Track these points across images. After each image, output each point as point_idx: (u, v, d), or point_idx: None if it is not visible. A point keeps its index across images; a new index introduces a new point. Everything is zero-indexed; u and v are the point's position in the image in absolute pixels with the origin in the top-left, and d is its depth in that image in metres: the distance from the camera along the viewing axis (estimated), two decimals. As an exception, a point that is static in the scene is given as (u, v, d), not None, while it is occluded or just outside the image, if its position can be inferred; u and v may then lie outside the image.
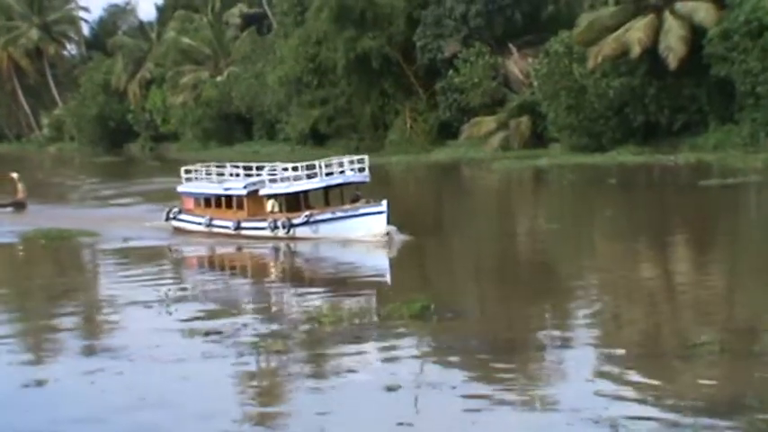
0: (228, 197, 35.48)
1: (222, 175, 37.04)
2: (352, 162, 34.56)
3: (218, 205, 35.84)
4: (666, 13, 53.54)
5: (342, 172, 34.12)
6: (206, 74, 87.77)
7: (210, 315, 21.50)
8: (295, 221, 33.02)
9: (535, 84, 61.27)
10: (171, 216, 37.40)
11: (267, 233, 33.62)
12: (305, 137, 72.77)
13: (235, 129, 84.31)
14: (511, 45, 63.18)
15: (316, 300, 23.52)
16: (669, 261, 27.71)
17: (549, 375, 16.38)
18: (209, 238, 35.16)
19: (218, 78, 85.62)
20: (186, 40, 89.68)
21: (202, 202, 36.76)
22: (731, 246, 29.27)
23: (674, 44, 52.24)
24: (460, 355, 17.56)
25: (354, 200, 33.18)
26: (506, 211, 42.51)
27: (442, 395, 15.28)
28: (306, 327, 19.94)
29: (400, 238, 31.56)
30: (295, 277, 28.43)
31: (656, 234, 31.27)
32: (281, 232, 33.22)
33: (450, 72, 63.86)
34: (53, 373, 17.53)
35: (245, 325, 20.22)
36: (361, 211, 32.12)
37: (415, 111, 67.65)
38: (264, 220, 33.92)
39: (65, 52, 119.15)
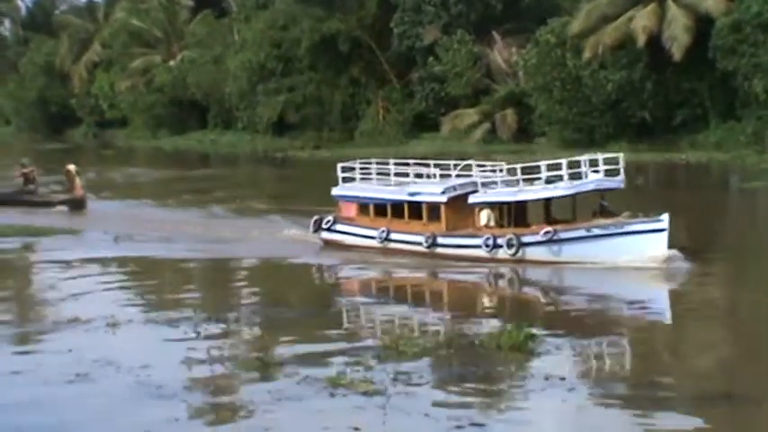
0: (416, 204, 27.42)
1: (405, 175, 28.86)
2: (587, 163, 25.96)
3: (399, 214, 27.82)
4: (669, 2, 50.58)
5: (575, 176, 25.68)
6: (158, 58, 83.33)
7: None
8: (527, 239, 25.38)
9: (520, 74, 58.15)
10: (323, 226, 29.36)
11: (480, 253, 25.78)
12: (269, 126, 68.67)
13: (188, 116, 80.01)
14: (494, 33, 59.82)
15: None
16: None
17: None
18: (383, 256, 27.35)
19: (172, 63, 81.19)
20: (137, 21, 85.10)
21: (372, 210, 28.60)
22: None
23: (678, 34, 49.35)
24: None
25: (602, 212, 25.71)
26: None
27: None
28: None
29: (685, 266, 23.91)
30: (536, 317, 20.20)
31: None
32: (502, 253, 25.46)
33: (430, 60, 60.35)
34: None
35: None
36: (632, 227, 24.47)
37: (388, 100, 64.03)
38: (475, 235, 26.22)
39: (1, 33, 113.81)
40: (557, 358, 16.47)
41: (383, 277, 26.11)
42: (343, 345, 17.34)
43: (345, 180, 29.88)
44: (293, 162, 59.48)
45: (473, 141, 58.12)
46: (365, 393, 14.53)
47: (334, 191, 29.74)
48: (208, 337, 17.78)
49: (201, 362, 16.30)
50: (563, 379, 15.10)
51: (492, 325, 18.68)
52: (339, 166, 30.18)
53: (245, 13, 74.62)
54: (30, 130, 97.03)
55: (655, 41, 50.09)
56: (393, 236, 27.62)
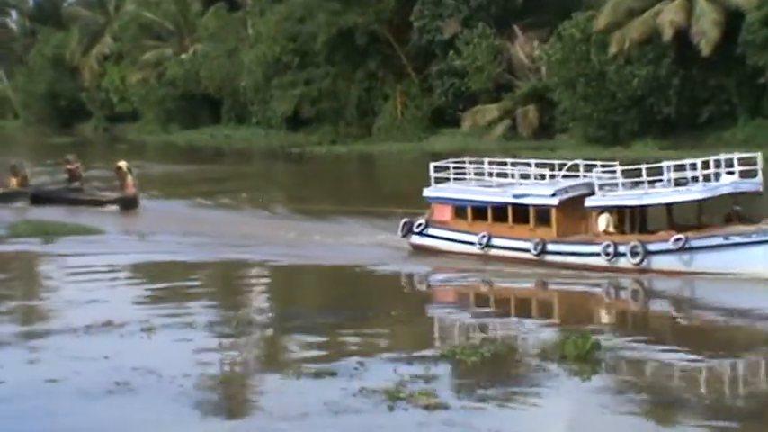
0: (522, 207, 25.30)
1: (507, 176, 26.70)
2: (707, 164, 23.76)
3: (501, 218, 25.63)
4: (698, -4, 49.53)
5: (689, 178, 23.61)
6: (169, 51, 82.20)
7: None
8: (654, 247, 23.17)
9: (543, 69, 57.02)
10: (414, 230, 27.17)
11: (598, 261, 23.68)
12: (283, 121, 67.53)
13: (200, 111, 78.87)
14: (515, 27, 58.68)
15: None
16: None
17: None
18: (483, 263, 25.36)
19: (184, 56, 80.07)
20: (148, 14, 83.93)
21: (470, 213, 26.43)
22: None
23: (707, 28, 48.22)
24: None
25: (735, 218, 23.60)
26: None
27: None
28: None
29: None
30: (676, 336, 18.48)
31: None
32: (624, 261, 23.35)
33: (451, 54, 59.17)
34: None
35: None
36: None
37: (407, 95, 62.87)
38: (593, 242, 24.07)
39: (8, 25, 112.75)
40: (622, 371, 15.46)
41: (483, 286, 24.24)
42: (404, 353, 16.16)
43: (438, 180, 27.77)
44: (312, 158, 58.38)
45: (493, 138, 57.08)
46: (427, 407, 13.48)
47: (426, 192, 27.59)
48: (253, 344, 16.75)
49: (248, 370, 15.27)
50: (630, 393, 14.07)
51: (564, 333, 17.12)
52: (431, 165, 27.84)
53: (260, 6, 73.37)
54: (38, 124, 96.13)
55: (682, 36, 48.99)
56: (495, 241, 25.55)
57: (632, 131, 51.79)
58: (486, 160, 27.58)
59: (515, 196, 25.57)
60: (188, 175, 49.40)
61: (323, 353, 16.34)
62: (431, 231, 27.07)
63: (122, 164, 36.57)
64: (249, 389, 14.54)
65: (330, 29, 61.92)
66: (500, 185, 26.52)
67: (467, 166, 27.73)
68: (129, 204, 35.61)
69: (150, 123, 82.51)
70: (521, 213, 25.42)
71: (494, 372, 15.21)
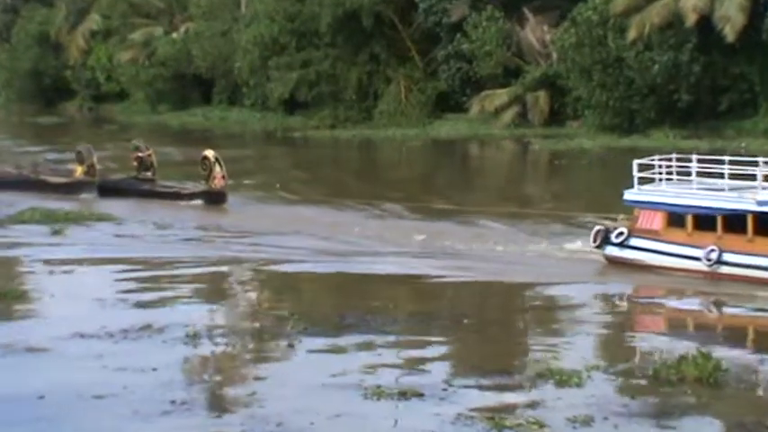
0: None
1: (743, 178, 22.32)
2: None
3: (738, 229, 21.24)
4: (722, -20, 47.58)
5: None
6: (159, 29, 79.52)
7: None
8: None
9: (554, 55, 55.04)
10: (613, 240, 22.92)
11: None
12: (280, 104, 65.23)
13: (191, 91, 76.44)
14: (525, 10, 56.66)
15: None
16: None
17: None
18: (708, 282, 21.36)
19: (174, 35, 77.54)
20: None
21: (689, 222, 22.03)
22: None
23: (732, 13, 46.28)
24: None
25: None
26: None
27: None
28: None
29: None
30: None
31: None
32: None
33: (458, 37, 57.02)
34: None
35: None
36: None
37: (410, 79, 60.72)
38: None
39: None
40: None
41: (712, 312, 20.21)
42: (495, 371, 14.15)
43: (642, 181, 23.30)
44: (316, 143, 56.09)
45: (502, 124, 55.17)
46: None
47: (628, 195, 23.19)
48: (323, 356, 14.68)
49: (329, 387, 13.23)
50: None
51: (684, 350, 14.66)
52: (635, 163, 23.33)
53: (255, -16, 70.97)
54: (21, 103, 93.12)
55: (705, 21, 47.07)
56: (729, 257, 21.05)
57: (649, 120, 49.91)
58: (695, 157, 22.99)
59: (761, 203, 21.21)
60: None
61: (404, 369, 14.29)
62: (635, 242, 22.70)
63: (209, 153, 31.90)
64: (335, 413, 12.47)
65: (336, 9, 59.57)
66: (734, 189, 22.13)
67: (676, 164, 23.29)
68: (215, 199, 31.39)
69: (138, 103, 79.96)
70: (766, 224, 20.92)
71: (606, 394, 13.21)
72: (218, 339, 15.53)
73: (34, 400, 12.60)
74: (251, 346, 15.33)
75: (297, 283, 21.40)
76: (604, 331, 17.69)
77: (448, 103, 60.08)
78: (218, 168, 31.14)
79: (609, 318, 19.04)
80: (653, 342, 16.69)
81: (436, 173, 44.80)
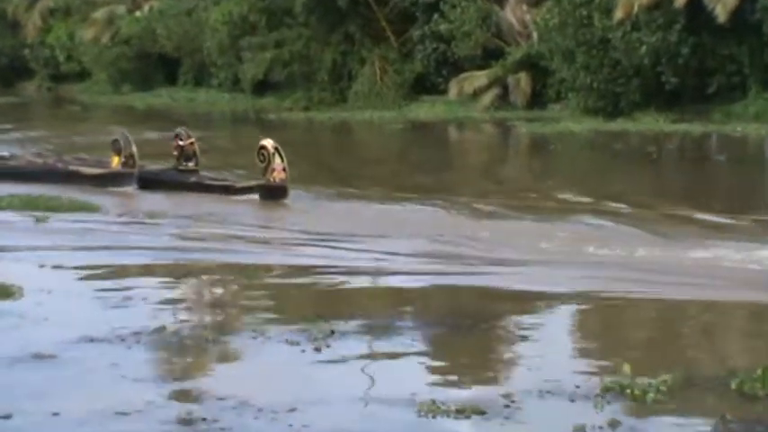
0: None
1: None
2: None
3: None
4: (712, -43, 46.37)
5: None
6: (122, 8, 77.48)
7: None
8: None
9: (535, 35, 53.71)
10: None
11: None
12: (251, 85, 63.45)
13: (155, 72, 74.52)
14: (505, -11, 55.35)
15: None
16: None
17: None
18: None
19: (138, 13, 75.48)
20: (98, -34, 79.15)
21: None
22: None
23: (724, -7, 45.16)
24: None
25: None
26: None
27: None
28: None
29: None
30: None
31: None
32: None
33: (436, 17, 55.56)
34: None
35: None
36: None
37: (386, 60, 59.15)
38: None
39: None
40: None
41: None
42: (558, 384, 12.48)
43: None
44: (292, 124, 54.28)
45: (482, 107, 53.85)
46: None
47: None
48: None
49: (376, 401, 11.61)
50: None
51: None
52: None
53: (224, -38, 68.98)
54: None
55: (694, 1, 45.86)
56: None
57: (634, 103, 48.73)
58: None
59: None
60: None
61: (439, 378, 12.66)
62: None
63: (268, 142, 27.94)
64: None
65: (312, -11, 58.00)
66: None
67: None
68: (275, 194, 27.55)
69: (100, 84, 77.97)
70: None
71: (683, 412, 11.63)
72: (240, 344, 13.85)
73: (48, 416, 10.92)
74: (286, 353, 13.59)
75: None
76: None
77: (424, 85, 58.74)
78: (278, 159, 27.41)
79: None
80: None
81: (463, 160, 42.50)
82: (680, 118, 47.07)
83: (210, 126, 51.47)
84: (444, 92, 56.92)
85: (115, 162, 30.11)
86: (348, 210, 26.69)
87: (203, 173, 29.89)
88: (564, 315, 16.24)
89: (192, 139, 30.11)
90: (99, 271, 18.76)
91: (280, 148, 27.80)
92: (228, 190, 28.36)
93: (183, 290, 17.58)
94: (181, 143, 29.91)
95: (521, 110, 52.84)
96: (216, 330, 14.17)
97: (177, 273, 18.89)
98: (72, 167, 30.94)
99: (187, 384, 12.09)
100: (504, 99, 53.96)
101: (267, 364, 13.13)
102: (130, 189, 29.33)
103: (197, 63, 69.82)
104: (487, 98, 53.71)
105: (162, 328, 14.22)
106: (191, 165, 29.81)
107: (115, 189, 29.08)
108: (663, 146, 42.30)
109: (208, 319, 15.06)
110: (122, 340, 13.66)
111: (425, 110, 56.11)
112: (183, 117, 56.32)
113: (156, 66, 74.06)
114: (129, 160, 29.73)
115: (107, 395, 11.54)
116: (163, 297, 16.66)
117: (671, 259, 19.32)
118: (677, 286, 17.36)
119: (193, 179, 29.26)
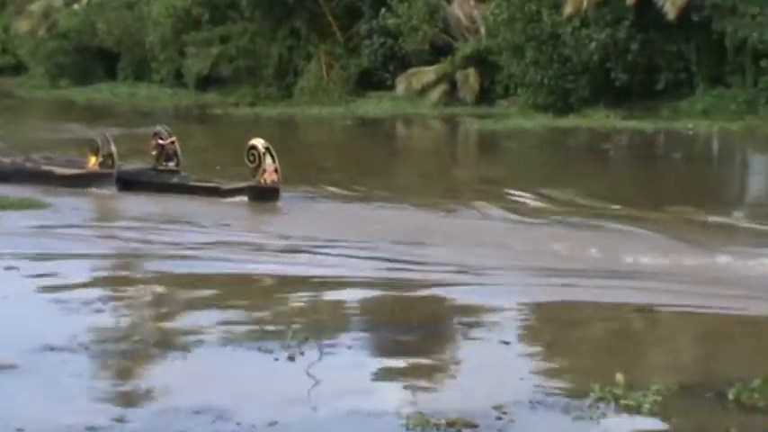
0: None
1: None
2: None
3: None
4: (662, -47, 46.37)
5: None
6: (59, 0, 76.06)
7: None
8: None
9: (482, 30, 53.41)
10: None
11: None
12: (195, 80, 62.49)
13: (94, 66, 73.22)
14: (453, -16, 54.99)
15: None
16: None
17: None
18: None
19: (76, 6, 74.16)
20: (33, -42, 77.69)
21: None
22: None
23: (673, -10, 45.20)
24: None
25: None
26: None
27: None
28: None
29: None
30: None
31: None
32: None
33: (383, 12, 55.04)
34: None
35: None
36: None
37: (332, 55, 58.51)
38: None
39: None
40: None
41: None
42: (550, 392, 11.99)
43: None
44: (240, 120, 53.28)
45: (430, 102, 53.45)
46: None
47: None
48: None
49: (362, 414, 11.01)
50: None
51: None
52: None
53: (165, -46, 67.89)
54: None
55: (644, -3, 45.92)
56: None
57: (583, 99, 48.62)
58: None
59: None
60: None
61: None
62: None
63: (258, 142, 26.34)
64: None
65: (258, -18, 57.26)
66: None
67: None
68: (265, 195, 26.00)
69: (37, 78, 76.47)
70: None
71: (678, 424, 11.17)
72: (210, 352, 13.16)
73: (12, 432, 10.18)
74: (260, 362, 12.92)
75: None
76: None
77: (371, 81, 58.21)
78: (269, 160, 25.90)
79: None
80: None
81: (424, 159, 41.54)
82: (629, 114, 47.06)
83: (155, 122, 50.21)
84: (391, 87, 56.47)
85: (92, 162, 28.19)
86: (341, 212, 25.35)
87: (184, 173, 28.30)
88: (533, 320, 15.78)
89: (173, 138, 28.58)
90: (56, 275, 17.91)
91: (271, 147, 26.40)
92: (215, 192, 26.75)
93: (150, 297, 16.81)
94: (161, 142, 28.39)
95: (469, 106, 52.56)
96: (184, 339, 13.47)
97: (146, 279, 18.13)
98: (45, 168, 29.12)
99: (159, 397, 11.39)
100: (451, 95, 53.65)
101: (241, 375, 12.45)
102: (109, 191, 27.65)
103: (137, 58, 68.73)
104: (435, 94, 53.33)
105: (127, 337, 13.51)
106: (171, 165, 28.37)
107: (93, 191, 27.42)
108: (618, 143, 42.15)
109: (176, 326, 14.30)
110: (85, 349, 12.93)
111: (373, 106, 55.61)
112: (125, 112, 55.45)
113: (95, 60, 72.83)
114: (107, 160, 27.87)
115: (74, 408, 10.83)
116: (127, 304, 15.92)
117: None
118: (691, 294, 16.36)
119: (176, 180, 27.79)
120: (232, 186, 26.76)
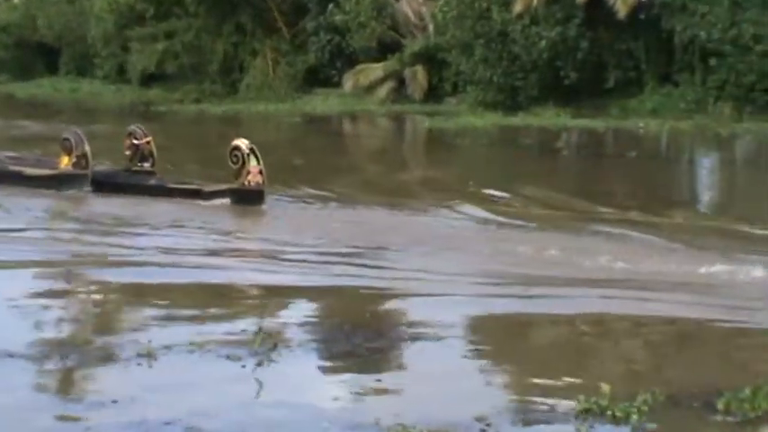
0: None
1: None
2: None
3: None
4: (611, -50, 46.44)
5: None
6: (-3, -7, 74.81)
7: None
8: None
9: (431, 27, 53.15)
10: None
11: None
12: (139, 76, 61.59)
13: (34, 61, 72.09)
14: (401, -19, 54.68)
15: None
16: None
17: None
18: None
19: (16, 0, 72.93)
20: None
21: None
22: None
23: (624, -11, 45.25)
24: None
25: None
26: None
27: None
28: None
29: None
30: None
31: None
32: None
33: (330, 8, 54.56)
34: None
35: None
36: None
37: (278, 52, 57.91)
38: None
39: None
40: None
41: None
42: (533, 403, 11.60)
43: None
44: (186, 118, 52.49)
45: (377, 100, 53.07)
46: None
47: None
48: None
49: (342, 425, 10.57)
50: None
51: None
52: None
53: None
54: None
55: (594, -5, 45.95)
56: None
57: (532, 97, 48.53)
58: None
59: None
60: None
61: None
62: None
63: (242, 142, 25.05)
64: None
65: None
66: None
67: None
68: (250, 198, 24.72)
69: (-25, 73, 75.20)
70: None
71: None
72: (176, 360, 12.64)
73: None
74: (228, 370, 12.43)
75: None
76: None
77: (317, 78, 57.74)
78: (253, 161, 24.60)
79: None
80: None
81: (380, 157, 40.84)
82: (578, 113, 47.02)
83: (98, 119, 49.38)
84: (338, 84, 56.10)
85: (65, 162, 26.85)
86: (336, 216, 23.97)
87: (160, 174, 27.04)
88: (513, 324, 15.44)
89: (149, 138, 27.39)
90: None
91: (255, 148, 25.15)
92: (196, 194, 25.47)
93: (114, 303, 16.20)
94: (136, 142, 27.21)
95: (417, 103, 52.30)
96: (149, 345, 12.93)
97: (109, 286, 17.48)
98: (12, 168, 27.54)
99: (127, 407, 10.86)
100: (399, 92, 53.40)
101: (209, 383, 11.95)
102: (82, 192, 26.29)
103: (79, 53, 67.69)
104: (383, 91, 53.02)
105: (89, 343, 12.96)
106: (146, 165, 27.27)
107: (66, 192, 26.09)
108: (570, 141, 42.07)
109: (140, 333, 13.74)
110: (45, 357, 12.36)
111: (320, 103, 55.12)
112: (68, 108, 54.40)
113: (36, 55, 71.74)
114: (81, 160, 26.51)
115: (39, 420, 10.32)
116: (88, 310, 15.31)
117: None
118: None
119: (153, 181, 26.52)
120: (214, 188, 25.49)
